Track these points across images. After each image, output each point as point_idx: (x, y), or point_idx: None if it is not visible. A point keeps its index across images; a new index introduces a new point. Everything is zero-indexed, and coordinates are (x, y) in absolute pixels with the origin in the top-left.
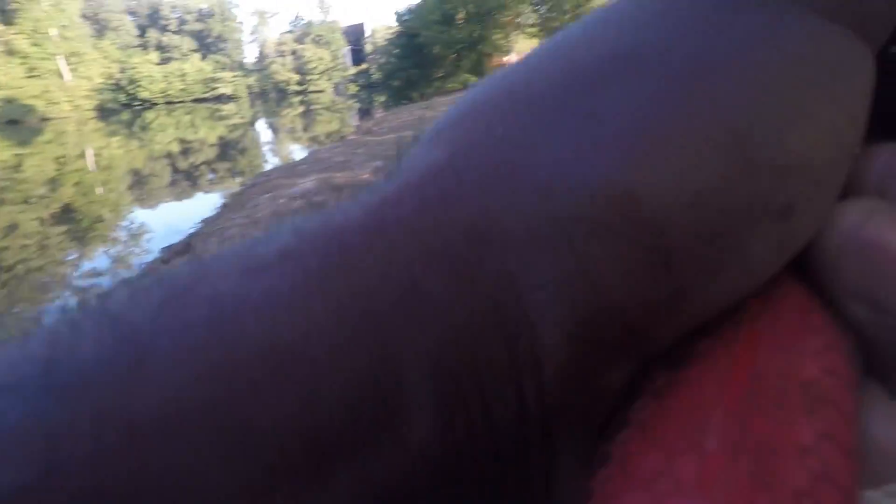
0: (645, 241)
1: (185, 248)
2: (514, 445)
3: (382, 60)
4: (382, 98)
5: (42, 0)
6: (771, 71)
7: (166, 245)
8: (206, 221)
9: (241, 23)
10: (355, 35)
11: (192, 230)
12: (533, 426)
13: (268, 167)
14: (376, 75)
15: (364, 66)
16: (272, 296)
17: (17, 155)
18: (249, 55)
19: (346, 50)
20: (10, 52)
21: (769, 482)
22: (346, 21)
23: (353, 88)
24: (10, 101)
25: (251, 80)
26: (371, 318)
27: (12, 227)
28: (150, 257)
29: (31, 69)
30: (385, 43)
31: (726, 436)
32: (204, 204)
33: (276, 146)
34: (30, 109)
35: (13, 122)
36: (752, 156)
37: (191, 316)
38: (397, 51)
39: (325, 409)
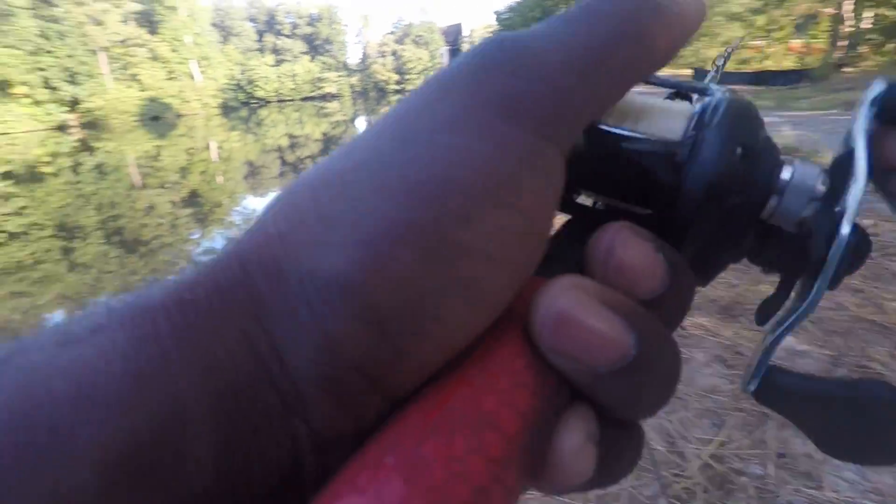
0: (366, 316)
1: None
2: (289, 480)
3: None
4: None
5: (180, 11)
6: (467, 186)
7: None
8: None
9: (346, 25)
10: (453, 35)
11: None
12: (307, 462)
13: None
14: None
15: None
16: (80, 362)
17: (156, 146)
18: (353, 56)
19: (443, 50)
20: (154, 58)
21: (415, 481)
22: (445, 21)
23: None
24: (153, 100)
25: (354, 79)
26: (164, 375)
27: (150, 208)
28: None
29: (170, 72)
30: None
31: (402, 453)
32: None
33: None
34: (168, 107)
35: (155, 118)
36: (446, 252)
37: (3, 382)
38: None
39: (118, 447)
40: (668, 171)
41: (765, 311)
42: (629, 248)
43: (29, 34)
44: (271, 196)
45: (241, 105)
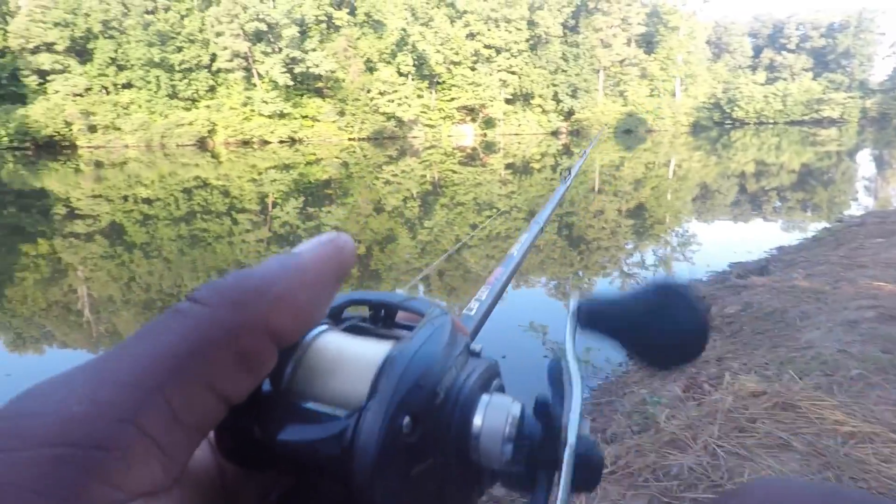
0: None
1: (760, 269)
2: None
3: None
4: None
5: (680, 31)
6: None
7: (735, 262)
8: (783, 249)
9: (882, 34)
10: None
11: (767, 254)
12: None
13: (854, 207)
14: None
15: None
16: None
17: (621, 157)
18: (878, 73)
19: None
20: (643, 76)
21: None
22: None
23: None
24: (630, 114)
25: (870, 102)
26: None
27: (599, 212)
28: (685, 268)
29: (653, 89)
30: None
31: None
32: (759, 230)
33: (874, 184)
34: (642, 122)
35: (627, 132)
36: None
37: None
38: None
39: None
40: (337, 456)
41: None
42: None
43: (554, 56)
44: (717, 224)
45: (714, 125)
